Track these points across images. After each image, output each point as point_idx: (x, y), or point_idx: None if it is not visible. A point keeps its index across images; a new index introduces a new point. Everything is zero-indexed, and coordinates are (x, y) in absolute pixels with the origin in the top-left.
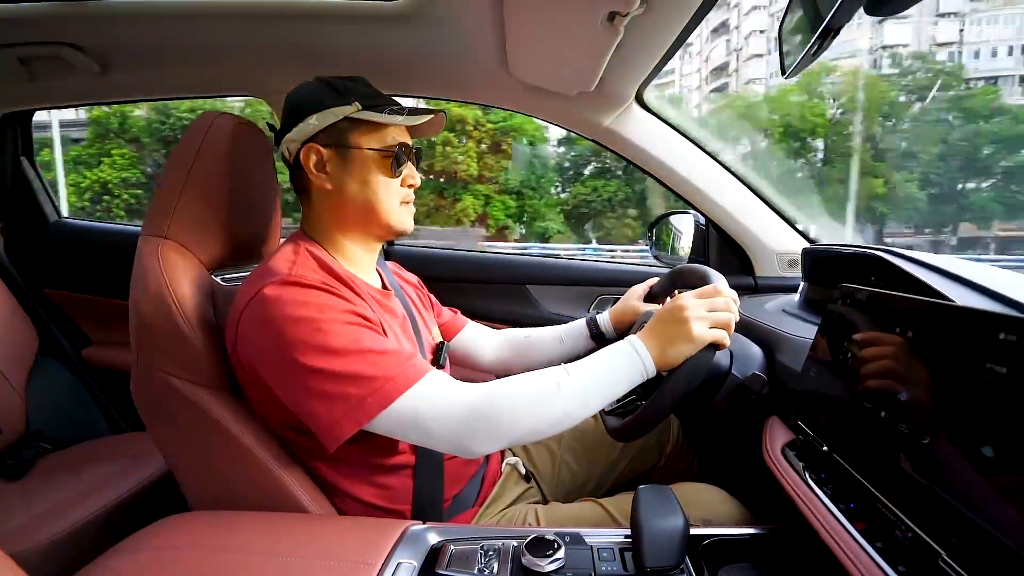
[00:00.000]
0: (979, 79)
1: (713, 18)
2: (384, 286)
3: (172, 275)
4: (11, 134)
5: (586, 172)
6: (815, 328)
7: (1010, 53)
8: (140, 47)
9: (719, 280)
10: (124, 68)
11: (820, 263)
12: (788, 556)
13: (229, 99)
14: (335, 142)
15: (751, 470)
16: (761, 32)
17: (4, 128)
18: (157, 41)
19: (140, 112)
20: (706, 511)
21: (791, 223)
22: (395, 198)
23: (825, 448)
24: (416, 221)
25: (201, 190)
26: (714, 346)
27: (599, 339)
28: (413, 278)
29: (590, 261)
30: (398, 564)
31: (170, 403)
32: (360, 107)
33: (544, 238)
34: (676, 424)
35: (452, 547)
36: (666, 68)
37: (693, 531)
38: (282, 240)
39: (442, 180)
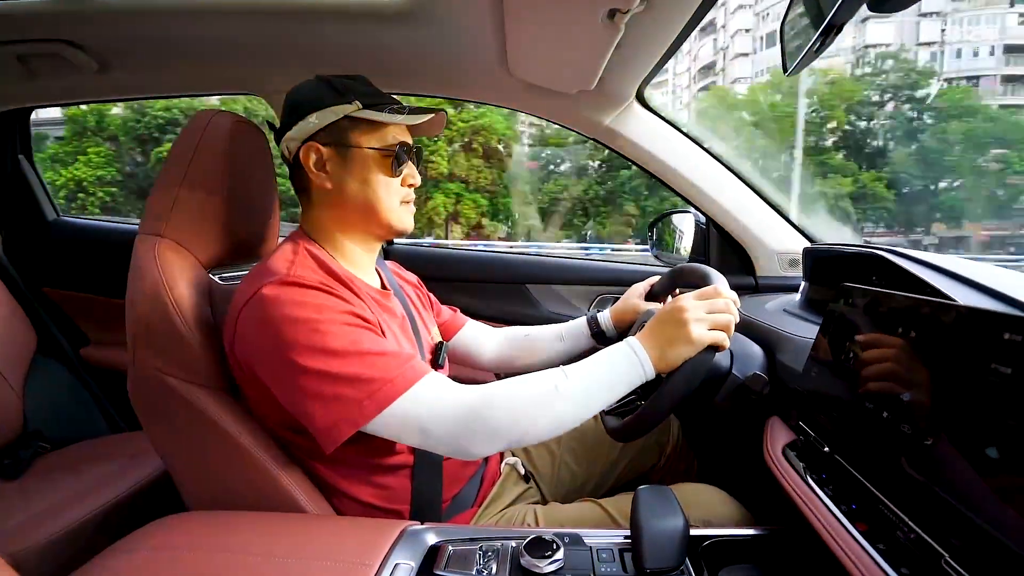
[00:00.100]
0: (961, 78)
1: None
2: (383, 286)
3: (169, 274)
4: (9, 132)
5: (561, 170)
6: (816, 328)
7: (992, 53)
8: (139, 45)
9: (719, 281)
10: (123, 66)
11: (821, 263)
12: (789, 557)
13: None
14: (335, 141)
15: (751, 471)
16: (747, 31)
17: (2, 126)
18: (156, 39)
19: (117, 110)
20: (706, 512)
21: (792, 222)
22: (395, 197)
23: (826, 449)
24: None
25: (199, 188)
26: (714, 348)
27: (600, 338)
28: (412, 277)
29: (590, 260)
30: (396, 565)
31: (167, 403)
32: (360, 106)
33: (511, 236)
34: (676, 424)
35: (450, 548)
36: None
37: (693, 532)
38: (281, 239)
39: None
